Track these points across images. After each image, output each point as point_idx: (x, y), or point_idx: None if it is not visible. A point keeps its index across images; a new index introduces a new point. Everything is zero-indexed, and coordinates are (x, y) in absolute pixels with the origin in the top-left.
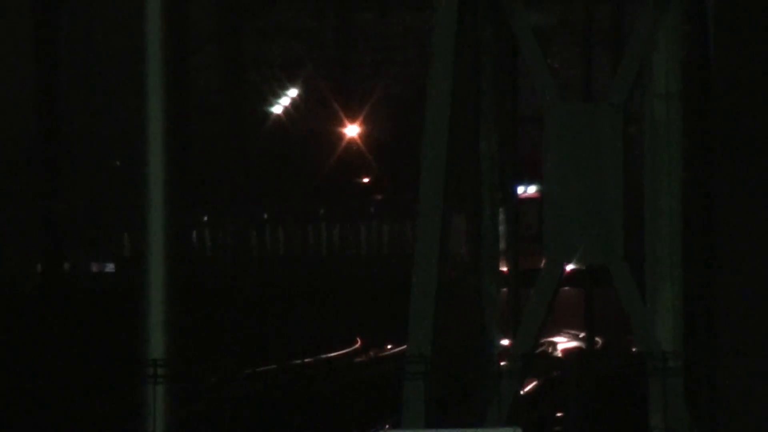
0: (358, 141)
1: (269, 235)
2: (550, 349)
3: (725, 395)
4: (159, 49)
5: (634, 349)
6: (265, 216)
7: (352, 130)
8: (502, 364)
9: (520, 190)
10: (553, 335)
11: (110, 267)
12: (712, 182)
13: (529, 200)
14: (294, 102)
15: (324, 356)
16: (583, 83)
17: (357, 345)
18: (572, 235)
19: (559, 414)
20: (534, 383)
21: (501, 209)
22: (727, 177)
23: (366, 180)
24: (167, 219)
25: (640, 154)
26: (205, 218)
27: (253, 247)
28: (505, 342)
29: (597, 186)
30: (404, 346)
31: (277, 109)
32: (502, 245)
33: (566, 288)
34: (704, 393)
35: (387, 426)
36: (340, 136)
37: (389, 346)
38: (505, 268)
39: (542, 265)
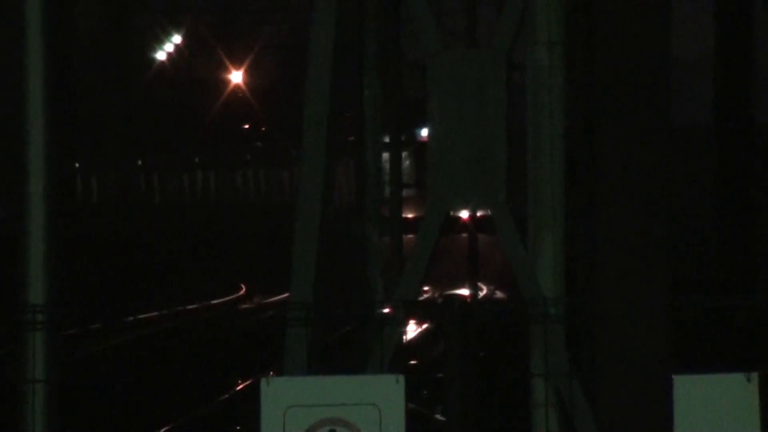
0: (243, 87)
1: (156, 183)
2: (436, 296)
3: (604, 342)
4: None
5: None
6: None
7: (236, 77)
8: (384, 311)
9: (424, 133)
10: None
11: None
12: (594, 130)
13: None
14: (178, 48)
15: (208, 303)
16: (467, 30)
17: (241, 292)
18: (455, 182)
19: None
20: (418, 330)
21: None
22: (609, 125)
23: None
24: (48, 163)
25: (524, 102)
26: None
27: (138, 196)
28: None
29: (481, 133)
30: (287, 294)
31: (161, 55)
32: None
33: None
34: (584, 339)
35: (270, 372)
36: (225, 83)
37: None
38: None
39: (425, 211)
